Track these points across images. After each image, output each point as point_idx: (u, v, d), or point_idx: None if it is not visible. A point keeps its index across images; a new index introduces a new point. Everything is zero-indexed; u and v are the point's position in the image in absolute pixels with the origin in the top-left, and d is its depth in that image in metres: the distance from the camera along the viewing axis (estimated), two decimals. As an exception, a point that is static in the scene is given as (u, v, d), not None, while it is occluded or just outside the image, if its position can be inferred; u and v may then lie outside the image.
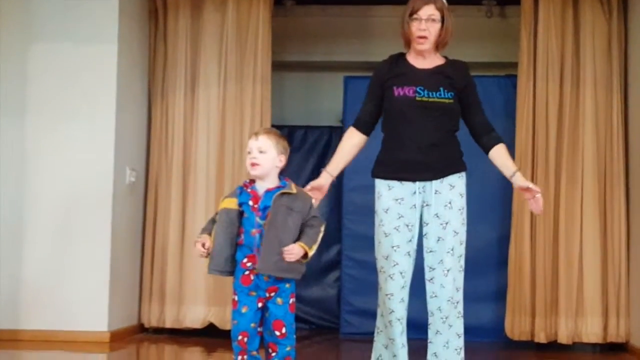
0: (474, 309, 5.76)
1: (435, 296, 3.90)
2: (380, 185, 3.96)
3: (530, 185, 3.86)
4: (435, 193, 3.89)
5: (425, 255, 3.92)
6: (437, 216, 3.89)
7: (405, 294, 3.90)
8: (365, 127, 4.04)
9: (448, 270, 3.87)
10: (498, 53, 6.99)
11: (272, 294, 3.49)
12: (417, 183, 3.89)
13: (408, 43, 3.99)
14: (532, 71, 6.19)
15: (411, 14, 3.90)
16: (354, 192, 6.55)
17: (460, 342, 3.93)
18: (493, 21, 7.12)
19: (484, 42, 7.05)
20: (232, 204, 3.52)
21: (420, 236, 3.94)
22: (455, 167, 3.94)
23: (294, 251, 3.42)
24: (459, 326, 3.92)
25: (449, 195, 3.90)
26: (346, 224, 6.64)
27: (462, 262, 3.93)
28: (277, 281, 3.48)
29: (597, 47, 6.18)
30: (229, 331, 3.57)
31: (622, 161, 6.11)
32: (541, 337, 6.03)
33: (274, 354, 3.52)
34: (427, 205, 3.91)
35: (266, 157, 3.53)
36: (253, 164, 3.52)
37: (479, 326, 6.05)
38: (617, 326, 6.00)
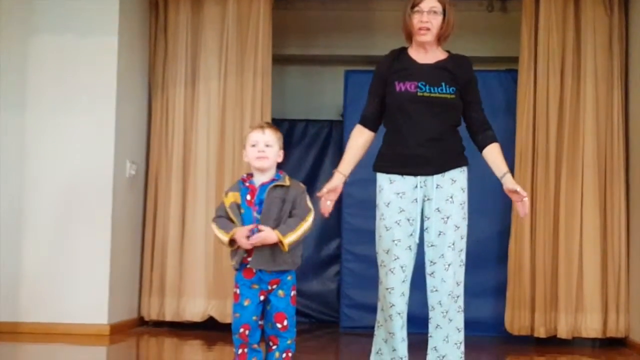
0: (473, 304, 5.76)
1: (436, 290, 3.90)
2: (382, 179, 3.95)
3: (518, 188, 3.85)
4: (437, 187, 3.89)
5: (426, 249, 3.92)
6: (439, 210, 3.88)
7: (405, 288, 3.90)
8: (371, 124, 4.03)
9: (449, 265, 3.87)
10: (499, 48, 6.98)
11: (274, 287, 3.49)
12: (419, 177, 3.89)
13: (409, 37, 3.99)
14: (532, 66, 6.19)
15: (413, 7, 3.89)
16: (353, 186, 6.49)
17: (460, 337, 3.93)
18: (494, 16, 7.11)
19: (485, 37, 7.04)
20: (236, 198, 3.52)
21: (422, 230, 3.93)
22: (456, 162, 3.94)
23: (260, 236, 3.37)
24: (459, 320, 3.92)
25: (450, 189, 3.89)
26: (346, 218, 6.64)
27: (463, 257, 3.93)
28: (279, 274, 3.48)
29: (598, 42, 6.17)
30: (229, 324, 3.57)
31: (623, 156, 6.10)
32: (541, 332, 6.03)
33: (274, 347, 3.52)
34: (428, 199, 3.90)
35: (272, 151, 3.52)
36: (261, 157, 3.50)
37: (479, 321, 6.05)
38: (616, 321, 6.00)
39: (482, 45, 7.00)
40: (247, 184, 3.52)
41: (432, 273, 3.91)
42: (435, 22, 3.88)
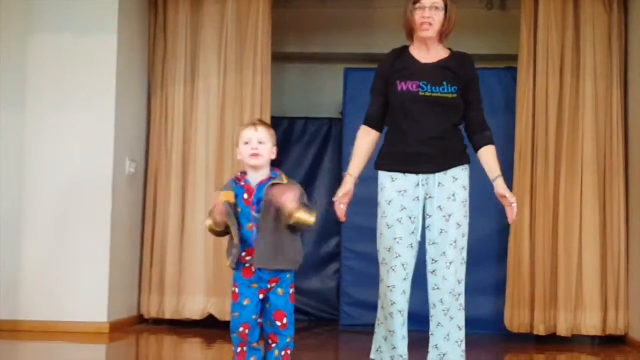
0: (473, 302, 5.75)
1: (438, 288, 3.90)
2: (384, 177, 3.96)
3: (507, 194, 3.86)
4: (439, 185, 3.89)
5: (428, 247, 3.93)
6: (440, 208, 3.89)
7: (407, 286, 3.91)
8: (377, 124, 4.03)
9: (451, 263, 3.88)
10: (498, 45, 6.97)
11: (273, 285, 3.48)
12: (420, 175, 3.90)
13: (411, 33, 3.99)
14: (532, 64, 6.18)
15: (415, 3, 3.90)
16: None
17: (461, 335, 3.94)
18: (493, 13, 7.11)
19: (484, 35, 7.03)
20: (231, 197, 3.49)
21: (423, 228, 3.94)
22: (458, 160, 3.94)
23: (292, 195, 3.35)
24: (460, 319, 3.93)
25: (452, 187, 3.90)
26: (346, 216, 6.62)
27: (465, 255, 3.93)
28: (278, 272, 3.47)
29: (598, 40, 6.17)
30: (228, 322, 3.55)
31: (622, 154, 6.10)
32: (540, 330, 6.03)
33: (274, 345, 3.50)
34: (430, 197, 3.91)
35: (265, 149, 3.49)
36: (255, 155, 3.47)
37: (479, 318, 6.04)
38: (616, 319, 6.00)
39: (481, 43, 6.99)
40: (242, 183, 3.49)
41: (434, 271, 3.91)
42: (438, 17, 3.88)
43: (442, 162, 3.90)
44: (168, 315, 6.33)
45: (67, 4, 6.01)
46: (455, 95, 3.90)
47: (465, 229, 3.93)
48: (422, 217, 3.93)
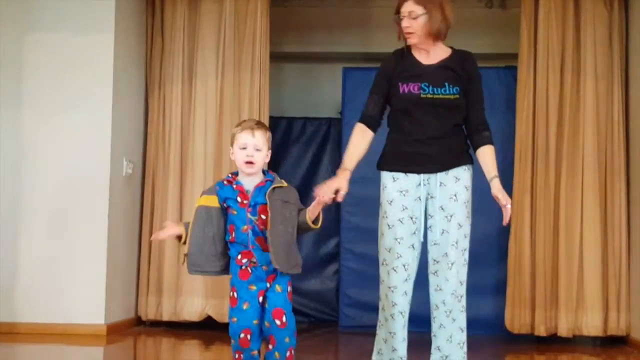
0: (474, 303, 5.71)
1: (440, 289, 3.88)
2: (385, 177, 3.94)
3: (500, 196, 3.81)
4: (440, 185, 3.87)
5: (430, 247, 3.90)
6: (442, 208, 3.86)
7: (408, 287, 3.88)
8: (373, 124, 3.98)
9: (452, 264, 3.85)
10: (498, 44, 6.94)
11: (271, 282, 3.40)
12: (422, 175, 3.87)
13: (402, 39, 3.97)
14: (532, 62, 6.16)
15: (397, 12, 3.89)
16: (352, 184, 6.40)
17: (463, 337, 3.91)
18: (493, 12, 7.08)
19: (484, 33, 7.00)
20: (211, 201, 3.43)
21: (425, 229, 3.91)
22: (460, 160, 3.92)
23: (327, 194, 3.46)
24: (462, 320, 3.91)
25: (454, 187, 3.88)
26: (345, 216, 6.60)
27: (466, 256, 3.91)
28: (275, 269, 3.41)
29: (598, 38, 6.14)
30: (227, 324, 3.49)
31: (623, 153, 6.08)
32: (541, 330, 6.00)
33: (272, 347, 3.40)
34: (431, 197, 3.89)
35: (260, 155, 3.44)
36: (250, 162, 3.41)
37: (479, 319, 6.02)
38: (617, 319, 5.98)
39: (481, 42, 6.95)
40: (234, 185, 3.43)
41: (436, 272, 3.89)
42: (417, 24, 3.85)
43: (443, 161, 3.88)
44: (166, 317, 6.30)
45: (64, 3, 5.99)
46: (457, 96, 3.87)
47: (467, 229, 3.91)
48: (423, 217, 3.89)
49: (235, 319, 3.40)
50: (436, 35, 3.90)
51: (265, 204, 3.38)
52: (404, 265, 3.86)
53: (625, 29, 6.19)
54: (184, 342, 5.84)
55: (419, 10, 3.84)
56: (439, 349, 3.91)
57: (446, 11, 3.89)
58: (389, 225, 3.88)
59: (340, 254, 6.70)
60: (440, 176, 3.88)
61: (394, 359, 3.90)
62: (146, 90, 6.55)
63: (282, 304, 3.41)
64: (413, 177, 3.88)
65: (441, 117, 3.87)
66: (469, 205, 3.92)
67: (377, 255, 3.98)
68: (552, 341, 6.01)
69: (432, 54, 3.94)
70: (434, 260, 3.89)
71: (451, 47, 4.00)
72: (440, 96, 3.85)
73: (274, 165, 6.88)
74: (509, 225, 6.06)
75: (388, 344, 3.91)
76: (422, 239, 3.90)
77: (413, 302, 3.96)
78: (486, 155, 3.92)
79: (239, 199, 3.39)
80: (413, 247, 3.88)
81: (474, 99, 3.94)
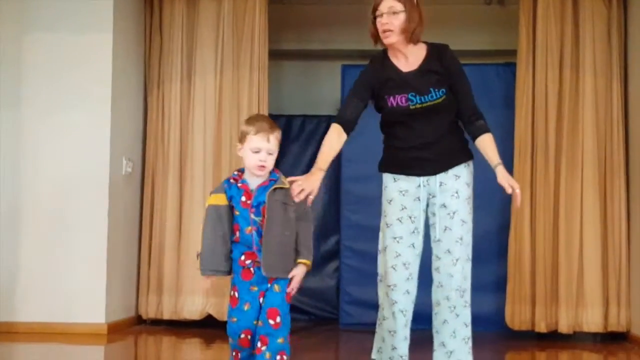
0: (474, 299, 5.68)
1: (441, 286, 3.87)
2: (387, 177, 3.97)
3: (506, 183, 3.75)
4: (440, 185, 3.88)
5: (432, 244, 3.90)
6: (444, 206, 3.86)
7: (410, 286, 3.87)
8: (350, 127, 3.89)
9: (457, 260, 3.85)
10: (497, 41, 6.94)
11: (271, 283, 3.36)
12: (422, 177, 3.87)
13: (379, 41, 3.93)
14: (531, 59, 6.15)
15: (374, 12, 3.86)
16: (352, 182, 6.52)
17: (467, 332, 3.91)
18: (492, 8, 7.07)
19: (483, 30, 7.00)
20: (220, 199, 3.39)
21: (427, 228, 3.91)
22: (459, 158, 3.92)
23: (298, 281, 3.37)
24: (466, 315, 3.90)
25: (455, 185, 3.88)
26: (345, 214, 6.60)
27: (470, 251, 3.91)
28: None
29: (597, 34, 6.14)
30: (227, 323, 3.47)
31: (622, 149, 6.07)
32: (542, 327, 6.00)
33: (264, 348, 3.30)
34: (433, 196, 3.89)
35: (272, 159, 3.39)
36: (262, 167, 3.36)
37: (479, 316, 5.92)
38: (617, 315, 5.97)
39: (480, 39, 6.97)
40: (239, 184, 3.39)
41: (438, 268, 3.89)
42: (397, 21, 3.81)
43: (442, 163, 3.89)
44: (166, 316, 6.30)
45: (63, 3, 5.99)
46: (444, 97, 3.86)
47: (470, 225, 3.91)
48: (424, 217, 3.89)
49: (235, 319, 3.36)
50: (412, 36, 3.85)
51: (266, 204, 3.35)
52: (404, 264, 3.85)
53: (624, 25, 6.18)
54: (185, 341, 5.84)
55: (398, 6, 3.81)
56: (443, 345, 3.91)
57: (422, 13, 3.87)
58: (387, 224, 3.89)
59: (340, 251, 6.70)
60: (440, 176, 3.88)
61: (394, 358, 3.89)
62: (145, 88, 6.54)
63: (279, 304, 3.36)
64: (414, 179, 3.89)
65: (434, 120, 3.86)
66: (471, 202, 3.92)
67: (378, 253, 3.97)
68: (553, 337, 6.01)
69: (410, 58, 3.89)
70: (436, 256, 3.89)
71: (425, 42, 3.96)
72: (429, 103, 3.83)
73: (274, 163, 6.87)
74: (508, 221, 6.11)
75: (387, 343, 3.91)
76: (422, 239, 3.90)
77: (416, 300, 3.96)
78: (486, 144, 3.88)
79: (242, 199, 3.36)
80: (413, 246, 3.88)
81: (461, 91, 3.91)
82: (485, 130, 3.90)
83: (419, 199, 3.88)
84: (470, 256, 3.91)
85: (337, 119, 3.93)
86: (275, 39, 6.73)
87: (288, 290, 3.37)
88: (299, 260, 3.38)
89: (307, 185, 3.51)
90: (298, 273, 3.37)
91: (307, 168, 7.17)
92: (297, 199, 3.42)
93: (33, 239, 5.89)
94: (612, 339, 6.04)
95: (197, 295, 6.22)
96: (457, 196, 3.87)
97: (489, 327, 6.16)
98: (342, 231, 6.63)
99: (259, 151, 3.35)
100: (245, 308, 3.35)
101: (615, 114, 6.08)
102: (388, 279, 3.86)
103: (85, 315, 5.83)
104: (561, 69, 6.15)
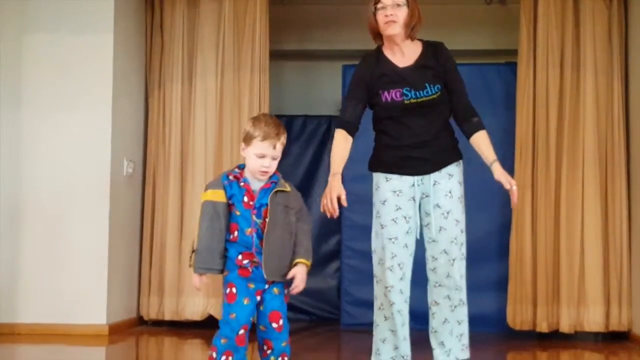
0: (475, 299, 5.68)
1: (439, 285, 3.88)
2: (378, 177, 3.94)
3: (503, 179, 3.78)
4: (434, 184, 3.87)
5: (427, 245, 3.90)
6: (438, 206, 3.86)
7: (404, 286, 3.88)
8: (352, 130, 3.95)
9: (454, 260, 3.86)
10: (498, 40, 6.94)
11: (269, 284, 3.35)
12: (416, 177, 3.87)
13: (377, 35, 3.94)
14: (532, 58, 6.15)
15: (376, 3, 3.87)
16: (353, 182, 6.45)
17: (461, 329, 3.93)
18: (492, 8, 7.06)
19: (484, 30, 7.00)
20: (218, 196, 3.33)
21: (420, 228, 3.90)
22: (451, 157, 3.93)
23: (302, 279, 3.34)
24: (461, 313, 3.92)
25: (448, 184, 3.88)
26: (346, 215, 6.58)
27: (464, 250, 3.92)
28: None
29: (598, 34, 6.13)
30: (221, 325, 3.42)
31: (623, 148, 6.07)
32: (543, 327, 6.00)
33: (269, 351, 3.33)
34: (426, 196, 3.88)
35: (276, 164, 3.37)
36: (265, 172, 3.34)
37: (481, 316, 5.98)
38: (619, 315, 5.97)
39: (480, 38, 6.96)
40: (240, 183, 3.35)
41: (435, 269, 3.89)
42: (401, 13, 3.84)
43: (435, 162, 3.89)
44: (168, 317, 6.30)
45: (63, 3, 5.99)
46: (439, 93, 3.87)
47: (463, 224, 3.92)
48: (417, 216, 3.89)
49: (234, 315, 3.29)
50: (411, 31, 3.89)
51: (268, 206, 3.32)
52: (399, 265, 3.86)
53: (625, 24, 6.18)
54: (187, 342, 5.84)
55: (402, 0, 3.83)
56: (443, 344, 3.91)
57: (420, 10, 3.90)
58: (382, 225, 3.89)
59: (341, 251, 6.70)
60: (434, 176, 3.88)
61: (396, 357, 3.90)
62: (146, 89, 6.54)
63: (279, 307, 3.35)
64: (407, 178, 3.88)
65: (427, 117, 3.86)
66: (463, 200, 3.93)
67: (373, 255, 3.97)
68: (554, 337, 6.00)
69: (407, 53, 3.91)
70: (432, 257, 3.89)
71: (421, 40, 3.97)
72: (424, 98, 3.84)
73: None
74: (509, 221, 6.11)
75: (387, 343, 3.91)
76: (415, 238, 3.90)
77: (413, 299, 3.96)
78: (481, 141, 3.90)
79: (245, 199, 3.32)
80: (407, 246, 3.88)
81: (455, 88, 3.93)
82: (481, 127, 3.92)
83: (413, 198, 3.87)
84: (464, 255, 3.92)
85: (339, 124, 3.97)
86: (276, 39, 6.73)
87: (292, 289, 3.35)
88: (299, 260, 3.35)
89: (333, 192, 3.70)
90: (300, 271, 3.34)
91: (308, 168, 7.27)
92: (329, 214, 3.66)
93: (34, 240, 5.89)
94: (613, 338, 6.03)
95: (199, 296, 6.22)
96: (451, 196, 3.87)
97: (490, 327, 6.16)
98: (343, 231, 6.63)
99: (264, 157, 3.33)
100: (245, 302, 3.29)
101: (616, 113, 6.08)
102: (385, 280, 3.87)
103: (86, 316, 5.83)
104: (562, 68, 6.14)
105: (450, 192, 3.87)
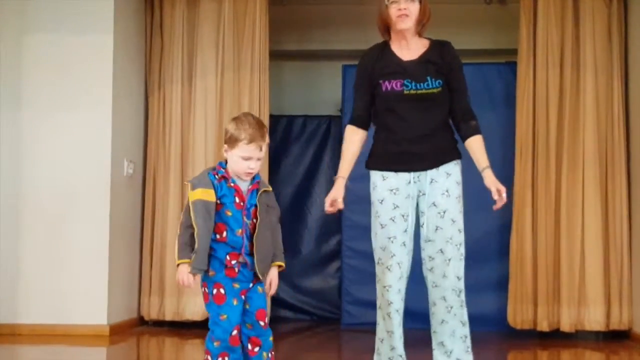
0: (476, 299, 5.68)
1: (436, 286, 3.87)
2: (375, 176, 3.93)
3: (493, 188, 3.78)
4: (431, 182, 3.86)
5: (424, 245, 3.88)
6: (435, 205, 3.85)
7: (402, 285, 3.88)
8: (363, 123, 3.99)
9: (449, 260, 3.84)
10: (497, 40, 6.94)
11: (253, 284, 3.36)
12: (412, 173, 3.86)
13: (387, 30, 3.94)
14: (532, 58, 6.15)
15: None
16: (353, 182, 6.40)
17: (464, 330, 3.91)
18: (492, 8, 7.07)
19: (484, 29, 7.01)
20: (209, 195, 3.29)
21: (417, 226, 3.90)
22: (450, 155, 3.91)
23: (277, 283, 3.42)
24: (462, 314, 3.90)
25: (445, 183, 3.86)
26: (346, 215, 6.58)
27: (463, 251, 3.89)
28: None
29: (597, 33, 6.14)
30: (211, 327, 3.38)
31: (624, 147, 6.07)
32: (544, 326, 6.00)
33: (258, 348, 3.34)
34: (422, 194, 3.87)
35: (260, 164, 3.37)
36: (250, 174, 3.33)
37: (481, 316, 5.99)
38: (619, 314, 5.97)
39: (480, 38, 6.97)
40: (229, 184, 3.33)
41: (432, 268, 3.88)
42: (414, 8, 3.84)
43: (433, 159, 3.87)
44: (168, 317, 6.30)
45: (63, 3, 5.99)
46: (440, 89, 3.86)
47: (460, 224, 3.88)
48: (414, 214, 3.89)
49: (225, 316, 3.28)
50: (421, 28, 3.90)
51: (256, 207, 3.33)
52: (398, 264, 3.85)
53: (625, 23, 6.18)
54: (187, 342, 5.84)
55: None
56: (442, 345, 3.90)
57: (429, 9, 3.91)
58: (381, 225, 3.88)
59: (342, 251, 6.70)
60: (431, 173, 3.86)
61: (394, 357, 3.90)
62: (146, 90, 6.54)
63: (264, 305, 3.38)
64: (403, 175, 3.87)
65: (426, 112, 3.85)
66: (461, 200, 3.90)
67: (373, 254, 3.97)
68: (555, 336, 6.00)
69: (412, 48, 3.92)
70: (429, 257, 3.88)
71: (428, 38, 3.98)
72: (424, 91, 3.84)
73: (275, 164, 6.88)
74: (510, 220, 6.11)
75: (386, 343, 3.91)
76: (412, 237, 3.89)
77: (411, 298, 3.96)
78: (475, 146, 3.89)
79: (236, 200, 3.31)
80: (404, 244, 3.87)
81: (457, 88, 3.92)
82: (478, 131, 3.91)
83: (409, 196, 3.86)
84: (463, 255, 3.88)
85: (349, 119, 4.01)
86: (276, 39, 6.74)
87: (270, 293, 3.42)
88: (275, 263, 3.40)
89: (329, 196, 3.91)
90: (275, 275, 3.41)
91: (308, 168, 7.28)
92: (327, 211, 3.93)
93: (34, 241, 5.89)
94: (614, 337, 6.04)
95: (199, 296, 6.17)
96: (448, 195, 3.85)
97: (491, 327, 6.17)
98: (344, 231, 6.63)
99: (250, 159, 3.30)
100: (235, 303, 3.29)
101: (616, 112, 6.08)
102: (384, 279, 3.86)
103: (87, 316, 5.83)
104: (562, 68, 6.15)
105: (447, 191, 3.86)
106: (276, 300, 6.73)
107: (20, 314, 5.84)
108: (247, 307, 3.35)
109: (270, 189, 3.45)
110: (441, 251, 3.84)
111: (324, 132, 7.32)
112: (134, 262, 6.38)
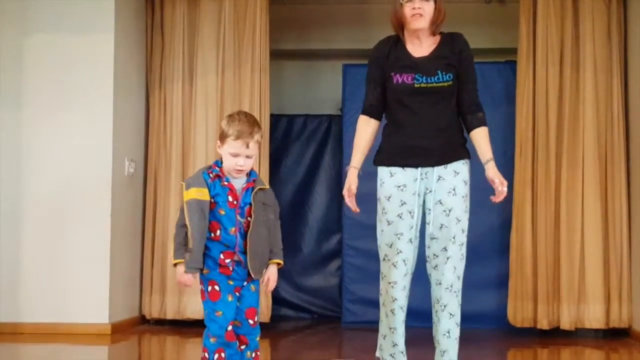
0: (476, 296, 5.73)
1: (439, 284, 3.88)
2: (383, 172, 3.93)
3: (496, 179, 3.79)
4: (438, 179, 3.86)
5: (429, 242, 3.89)
6: (441, 203, 3.85)
7: (407, 282, 3.88)
8: (376, 113, 3.99)
9: (448, 258, 3.84)
10: (497, 39, 6.95)
11: (247, 282, 3.38)
12: (420, 169, 3.86)
13: (401, 28, 3.95)
14: (531, 56, 6.16)
15: None
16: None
17: (458, 332, 3.90)
18: (492, 7, 7.08)
19: (483, 28, 7.01)
20: (203, 194, 3.31)
21: (423, 223, 3.91)
22: (459, 154, 3.90)
23: (275, 279, 3.43)
24: (459, 316, 3.90)
25: (453, 181, 3.86)
26: (347, 213, 6.59)
27: (464, 251, 3.89)
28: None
29: (597, 31, 6.14)
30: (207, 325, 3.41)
31: (623, 146, 6.08)
32: (544, 324, 6.01)
33: (244, 347, 3.38)
34: (429, 191, 3.87)
35: (251, 162, 3.38)
36: (240, 171, 3.34)
37: (481, 313, 6.04)
38: (619, 311, 5.98)
39: (480, 37, 6.94)
40: (223, 182, 3.34)
41: (436, 266, 3.88)
42: (428, 8, 3.84)
43: (441, 155, 3.86)
44: (170, 316, 6.31)
45: (63, 3, 5.99)
46: (450, 83, 3.86)
47: (464, 224, 3.89)
48: (420, 211, 3.89)
49: (220, 312, 3.31)
50: (435, 28, 3.91)
51: (251, 205, 3.34)
52: (404, 261, 3.85)
53: (624, 22, 6.19)
54: (189, 340, 5.85)
55: None
56: (439, 343, 3.92)
57: (444, 9, 3.91)
58: (388, 221, 3.88)
59: (342, 250, 6.71)
60: (439, 170, 3.86)
61: (395, 354, 3.90)
62: (147, 89, 6.55)
63: (255, 304, 3.40)
64: (411, 171, 3.87)
65: (436, 106, 3.85)
66: (468, 200, 3.90)
67: (379, 250, 3.98)
68: (555, 334, 6.01)
69: (424, 46, 3.92)
70: (434, 254, 3.88)
71: (440, 32, 3.98)
72: (434, 84, 3.84)
73: (275, 163, 6.89)
74: (510, 218, 6.12)
75: (388, 340, 3.91)
76: (418, 234, 3.90)
77: (415, 297, 3.97)
78: (480, 138, 3.89)
79: (230, 199, 3.33)
80: (411, 241, 3.87)
81: (466, 79, 3.92)
82: (484, 123, 3.91)
83: (416, 193, 3.86)
84: (464, 256, 3.88)
85: (362, 110, 4.02)
86: (277, 38, 6.75)
87: (268, 290, 3.44)
88: (273, 260, 3.42)
89: (346, 186, 3.90)
90: (273, 272, 3.42)
91: (309, 167, 7.30)
92: (347, 203, 3.91)
93: (35, 240, 5.90)
94: (613, 335, 6.04)
95: (200, 295, 6.22)
96: (454, 193, 3.85)
97: (491, 324, 6.19)
98: (345, 230, 6.65)
99: (238, 156, 3.32)
100: (229, 299, 3.32)
101: (615, 110, 6.09)
102: (390, 276, 3.86)
103: (88, 315, 5.84)
104: (561, 67, 6.15)
105: (454, 190, 3.86)
106: (277, 299, 6.74)
107: (22, 312, 5.86)
108: (238, 304, 3.37)
109: (268, 186, 3.45)
110: (445, 249, 3.85)
111: (324, 131, 7.33)
112: (135, 261, 6.39)
